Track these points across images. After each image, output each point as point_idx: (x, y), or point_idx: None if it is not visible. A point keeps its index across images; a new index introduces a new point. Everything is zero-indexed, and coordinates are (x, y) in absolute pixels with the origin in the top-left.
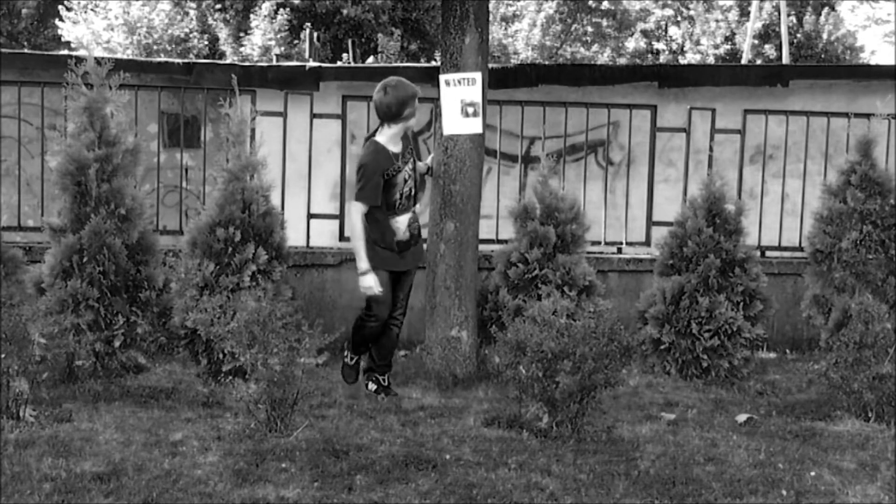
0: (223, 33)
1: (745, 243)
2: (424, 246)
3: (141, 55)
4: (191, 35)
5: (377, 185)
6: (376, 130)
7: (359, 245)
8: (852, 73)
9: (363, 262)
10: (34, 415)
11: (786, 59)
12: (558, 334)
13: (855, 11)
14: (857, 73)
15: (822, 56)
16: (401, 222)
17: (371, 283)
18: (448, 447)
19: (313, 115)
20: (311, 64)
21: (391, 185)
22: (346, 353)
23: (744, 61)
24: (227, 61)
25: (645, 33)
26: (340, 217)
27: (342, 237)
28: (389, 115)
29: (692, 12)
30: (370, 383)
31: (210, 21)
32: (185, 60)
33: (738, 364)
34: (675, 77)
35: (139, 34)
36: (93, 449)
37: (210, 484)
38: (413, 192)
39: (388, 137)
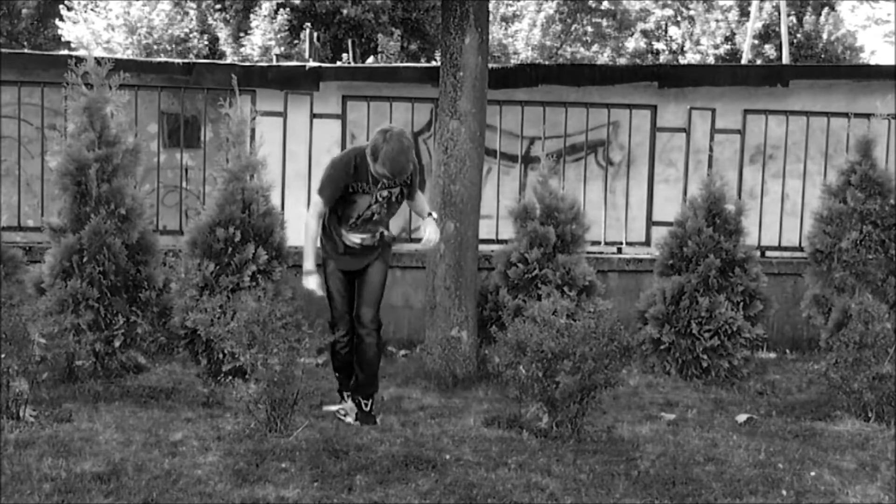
0: (223, 33)
1: (745, 243)
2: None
3: (141, 55)
4: (191, 35)
5: (334, 191)
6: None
7: (308, 242)
8: (852, 73)
9: (309, 261)
10: (34, 415)
11: (786, 59)
12: (558, 334)
13: (855, 11)
14: (857, 73)
15: (822, 56)
16: (351, 237)
17: (313, 284)
18: (448, 447)
19: (313, 115)
20: (311, 64)
21: (352, 201)
22: (344, 400)
23: (744, 61)
24: (227, 61)
25: (645, 33)
26: None
27: None
28: (373, 155)
29: (692, 12)
30: (351, 404)
31: (210, 21)
32: (185, 60)
33: (738, 364)
34: (675, 77)
35: (139, 34)
36: (93, 449)
37: (210, 484)
38: (375, 219)
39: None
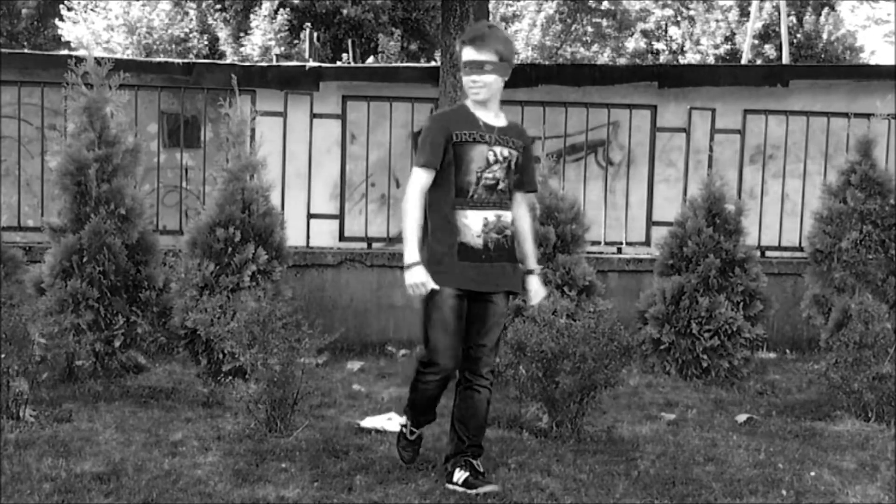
0: (223, 33)
1: (745, 243)
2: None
3: (141, 55)
4: (191, 35)
5: (435, 147)
6: None
7: (407, 227)
8: (852, 73)
9: (410, 251)
10: (34, 415)
11: (786, 59)
12: (558, 334)
13: (855, 11)
14: (857, 73)
15: (822, 56)
16: (471, 219)
17: (420, 277)
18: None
19: (313, 115)
20: (311, 64)
21: (465, 157)
22: (404, 420)
23: (744, 61)
24: (227, 61)
25: (645, 33)
26: (340, 217)
27: (342, 237)
28: (460, 45)
29: (692, 12)
30: (457, 470)
31: (210, 21)
32: (185, 60)
33: (738, 364)
34: (675, 77)
35: (139, 34)
36: (93, 449)
37: (210, 484)
38: (499, 187)
39: (476, 103)
